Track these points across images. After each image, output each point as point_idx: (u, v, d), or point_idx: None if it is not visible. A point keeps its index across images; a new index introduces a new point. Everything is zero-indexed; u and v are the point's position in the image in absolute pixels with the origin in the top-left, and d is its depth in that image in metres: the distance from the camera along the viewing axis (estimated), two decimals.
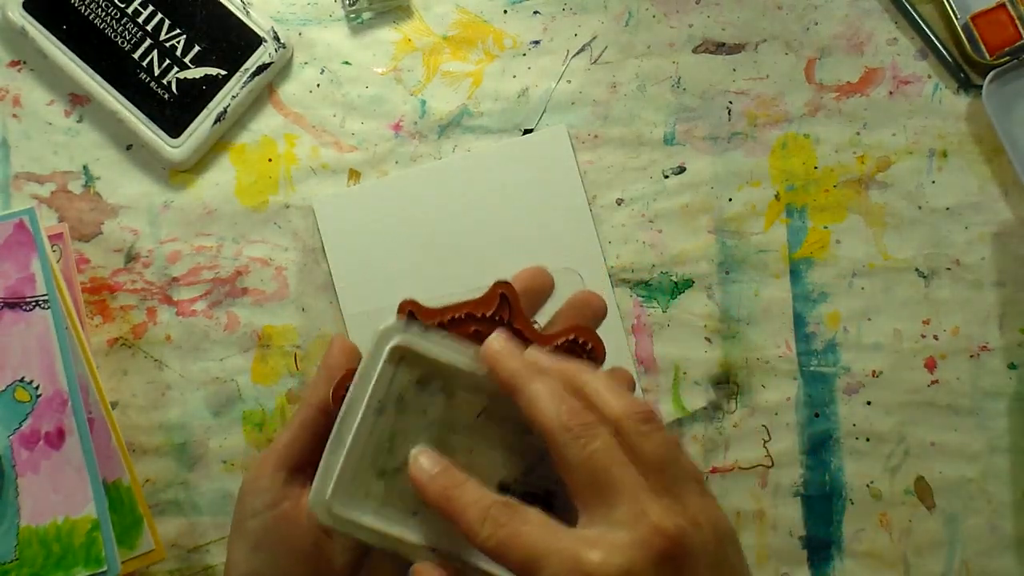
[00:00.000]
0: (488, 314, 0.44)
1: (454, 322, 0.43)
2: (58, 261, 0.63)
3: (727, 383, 0.64)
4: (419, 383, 0.43)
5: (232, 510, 0.63)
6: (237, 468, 0.64)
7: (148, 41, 0.65)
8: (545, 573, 0.37)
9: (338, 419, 0.42)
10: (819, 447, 0.64)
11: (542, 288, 0.46)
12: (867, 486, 0.64)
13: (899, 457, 0.64)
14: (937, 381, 0.64)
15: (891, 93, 0.66)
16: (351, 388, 0.42)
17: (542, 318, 0.47)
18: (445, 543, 0.42)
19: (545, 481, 0.43)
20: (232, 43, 0.65)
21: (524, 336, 0.44)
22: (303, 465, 0.46)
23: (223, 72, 0.65)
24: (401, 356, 0.42)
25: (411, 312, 0.43)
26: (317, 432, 0.45)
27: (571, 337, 0.44)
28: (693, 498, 0.39)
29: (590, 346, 0.44)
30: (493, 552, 0.38)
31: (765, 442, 0.64)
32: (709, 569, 0.38)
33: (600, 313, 0.46)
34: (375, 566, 0.46)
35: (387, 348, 0.42)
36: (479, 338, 0.43)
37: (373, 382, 0.42)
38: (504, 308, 0.44)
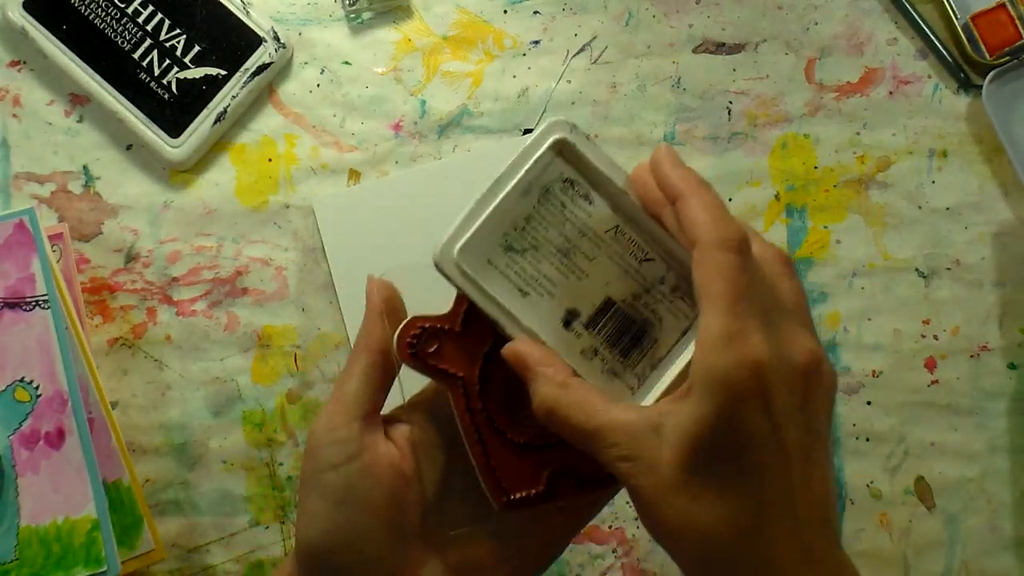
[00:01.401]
0: None
1: None
2: (58, 261, 0.63)
3: None
4: (567, 181, 0.44)
5: (228, 511, 0.64)
6: (237, 468, 0.64)
7: (148, 41, 0.65)
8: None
9: (488, 186, 0.44)
10: None
11: None
12: (867, 486, 0.64)
13: (899, 457, 0.64)
14: (937, 381, 0.64)
15: (891, 93, 0.66)
16: (509, 163, 0.44)
17: None
18: (545, 333, 0.44)
19: (646, 312, 0.45)
20: (232, 43, 0.65)
21: None
22: (374, 412, 0.45)
23: (223, 72, 0.65)
24: (560, 150, 0.44)
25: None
26: (380, 376, 0.45)
27: None
28: (809, 339, 0.40)
29: None
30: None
31: None
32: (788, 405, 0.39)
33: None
34: (442, 515, 0.46)
35: (552, 139, 0.44)
36: None
37: (529, 163, 0.44)
38: None
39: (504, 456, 0.45)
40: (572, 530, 0.48)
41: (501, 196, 0.44)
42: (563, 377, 0.42)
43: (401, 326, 0.44)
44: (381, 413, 0.46)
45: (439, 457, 0.46)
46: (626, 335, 0.45)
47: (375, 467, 0.44)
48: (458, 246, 0.43)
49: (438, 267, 0.44)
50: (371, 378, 0.45)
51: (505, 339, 0.44)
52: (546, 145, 0.44)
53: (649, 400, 0.44)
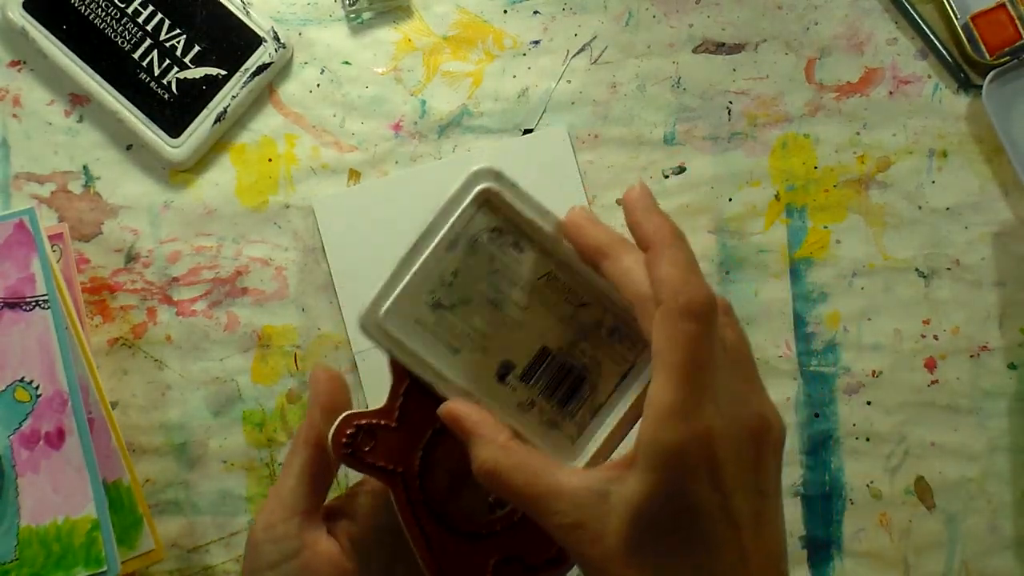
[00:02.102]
0: None
1: None
2: (58, 261, 0.63)
3: None
4: (494, 231, 0.44)
5: (228, 511, 0.64)
6: (237, 468, 0.64)
7: (148, 41, 0.65)
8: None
9: (411, 243, 0.43)
10: (819, 447, 0.64)
11: None
12: (867, 486, 0.64)
13: (899, 457, 0.64)
14: (937, 381, 0.64)
15: (891, 93, 0.66)
16: (432, 217, 0.43)
17: None
18: (480, 390, 0.43)
19: (584, 358, 0.44)
20: (232, 43, 0.65)
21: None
22: (313, 507, 0.45)
23: (223, 72, 0.65)
24: (486, 200, 0.43)
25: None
26: (319, 472, 0.45)
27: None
28: (756, 395, 0.40)
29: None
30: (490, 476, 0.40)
31: None
32: (736, 465, 0.38)
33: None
34: None
35: (476, 189, 0.43)
36: None
37: (454, 217, 0.43)
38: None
39: (448, 547, 0.44)
40: None
41: (426, 253, 0.42)
42: (503, 439, 0.41)
43: (335, 424, 0.43)
44: (324, 504, 0.45)
45: (384, 545, 0.45)
46: (563, 384, 0.44)
47: (314, 565, 0.43)
48: (383, 309, 0.42)
49: (364, 331, 0.43)
50: (309, 475, 0.44)
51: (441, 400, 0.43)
52: (470, 197, 0.43)
53: (591, 448, 0.43)
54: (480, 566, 0.44)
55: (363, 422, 0.44)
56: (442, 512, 0.44)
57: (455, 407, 0.42)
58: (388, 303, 0.43)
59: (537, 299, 0.44)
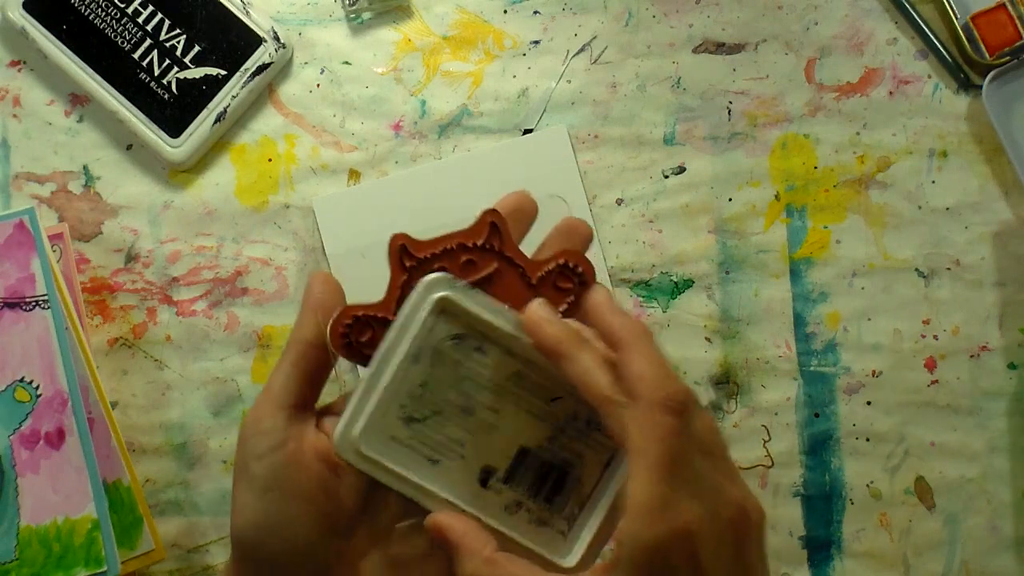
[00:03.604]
0: (479, 243, 0.44)
1: (447, 253, 0.44)
2: (58, 261, 0.63)
3: (727, 383, 0.64)
4: (456, 337, 0.43)
5: (228, 511, 0.64)
6: None
7: (148, 41, 0.65)
8: None
9: (373, 363, 0.43)
10: (819, 447, 0.64)
11: (528, 212, 0.47)
12: (867, 486, 0.64)
13: (899, 457, 0.64)
14: (937, 381, 0.64)
15: (891, 93, 0.66)
16: (389, 333, 0.43)
17: (530, 247, 0.47)
18: (463, 496, 0.43)
19: (565, 452, 0.44)
20: (232, 43, 0.65)
21: (515, 262, 0.45)
22: (302, 403, 0.45)
23: (223, 72, 0.65)
24: (443, 308, 0.43)
25: (404, 246, 0.44)
26: (311, 368, 0.45)
27: (561, 261, 0.45)
28: (731, 484, 0.40)
29: (580, 269, 0.45)
30: None
31: (765, 442, 0.64)
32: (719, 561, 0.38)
33: (587, 237, 0.47)
34: (381, 506, 0.46)
35: (431, 299, 0.43)
36: (472, 269, 0.44)
37: (415, 330, 0.43)
38: (495, 236, 0.45)
39: None
40: None
41: (391, 371, 0.43)
42: (488, 551, 0.41)
43: (334, 316, 0.44)
44: (319, 404, 0.46)
45: None
46: (547, 481, 0.44)
47: (301, 456, 0.44)
48: (355, 433, 0.42)
49: (341, 456, 0.43)
50: (300, 370, 0.45)
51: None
52: (427, 308, 0.43)
53: (585, 538, 0.43)
54: None
55: (361, 314, 0.44)
56: None
57: (440, 519, 0.42)
58: (361, 424, 0.43)
59: (509, 400, 0.44)
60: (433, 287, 0.43)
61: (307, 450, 0.44)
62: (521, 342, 0.43)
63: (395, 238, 0.44)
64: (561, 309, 0.44)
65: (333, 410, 0.46)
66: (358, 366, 0.44)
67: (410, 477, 0.43)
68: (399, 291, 0.44)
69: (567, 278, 0.45)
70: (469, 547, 0.41)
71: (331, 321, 0.44)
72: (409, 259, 0.45)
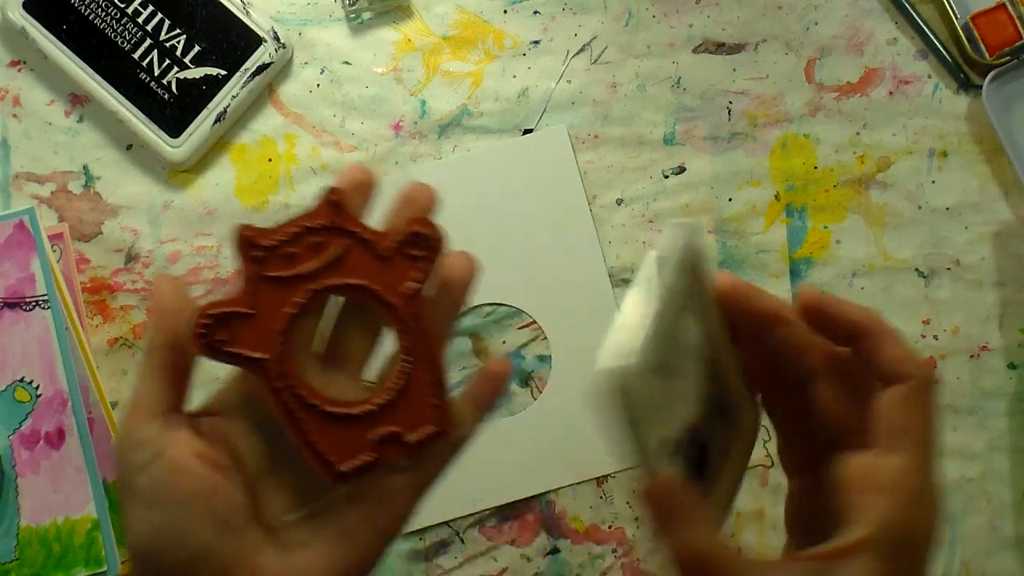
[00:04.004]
0: (324, 224, 0.44)
1: (294, 237, 0.43)
2: (58, 261, 0.63)
3: None
4: (687, 295, 0.41)
5: None
6: None
7: (148, 41, 0.65)
8: None
9: (655, 295, 0.39)
10: None
11: (368, 184, 0.46)
12: None
13: None
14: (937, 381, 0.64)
15: (891, 93, 0.66)
16: (662, 279, 0.40)
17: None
18: (657, 463, 0.39)
19: (708, 432, 0.42)
20: (232, 43, 0.65)
21: (363, 238, 0.44)
22: (172, 408, 0.44)
23: (223, 72, 0.65)
24: (691, 264, 0.41)
25: (247, 237, 0.43)
26: (173, 372, 0.44)
27: (411, 230, 0.44)
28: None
29: (427, 235, 0.44)
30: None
31: (765, 442, 0.64)
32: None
33: (431, 202, 0.47)
34: (267, 500, 0.45)
35: (683, 249, 0.41)
36: (320, 250, 0.43)
37: (671, 280, 0.40)
38: (337, 214, 0.44)
39: (324, 430, 0.43)
40: (418, 491, 0.45)
41: (655, 312, 0.39)
42: (713, 530, 0.38)
43: (192, 317, 0.42)
44: (191, 408, 0.45)
45: (257, 441, 0.45)
46: (699, 460, 0.42)
47: (181, 462, 0.43)
48: (633, 364, 0.38)
49: (609, 390, 0.38)
50: (163, 375, 0.44)
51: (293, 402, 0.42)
52: (680, 258, 0.40)
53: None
54: (360, 443, 0.43)
55: (216, 312, 0.42)
56: (313, 397, 0.43)
57: (671, 484, 0.39)
58: (636, 360, 0.38)
59: (692, 370, 0.41)
60: (689, 236, 0.41)
61: (187, 454, 0.43)
62: (710, 316, 0.42)
63: (237, 229, 0.43)
64: (417, 278, 0.44)
65: (207, 412, 0.45)
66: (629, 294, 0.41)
67: (645, 432, 0.39)
68: (252, 284, 0.43)
69: (417, 245, 0.44)
70: (695, 518, 0.38)
71: (195, 321, 0.42)
72: (256, 249, 0.43)
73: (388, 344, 0.45)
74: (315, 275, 0.43)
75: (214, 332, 0.42)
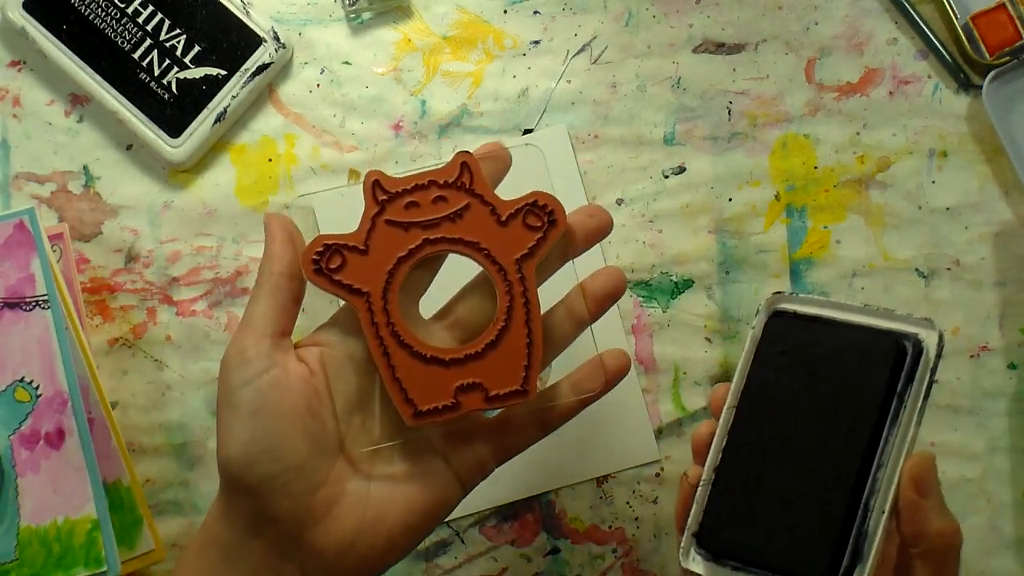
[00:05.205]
0: (451, 181, 0.47)
1: (419, 188, 0.47)
2: (58, 261, 0.63)
3: (727, 383, 0.64)
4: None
5: None
6: None
7: (148, 41, 0.65)
8: None
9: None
10: None
11: (501, 159, 0.49)
12: None
13: None
14: (937, 381, 0.64)
15: (891, 93, 0.66)
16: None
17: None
18: None
19: None
20: (232, 43, 0.65)
21: (486, 200, 0.47)
22: (281, 331, 0.47)
23: (223, 72, 0.65)
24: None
25: (377, 180, 0.46)
26: (286, 298, 0.47)
27: (531, 201, 0.47)
28: None
29: (550, 208, 0.47)
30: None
31: None
32: None
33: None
34: (359, 430, 0.47)
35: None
36: (443, 204, 0.47)
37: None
38: (465, 174, 0.47)
39: (411, 369, 0.46)
40: (499, 458, 0.49)
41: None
42: None
43: (308, 245, 0.46)
44: (293, 341, 0.48)
45: (352, 375, 0.48)
46: None
47: (286, 379, 0.45)
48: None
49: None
50: (277, 299, 0.47)
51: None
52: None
53: None
54: (442, 388, 0.46)
55: (331, 243, 0.46)
56: (406, 335, 0.46)
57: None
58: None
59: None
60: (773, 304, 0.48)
61: (291, 374, 0.46)
62: None
63: (370, 174, 0.47)
64: (530, 246, 0.46)
65: (311, 342, 0.48)
66: None
67: None
68: (370, 223, 0.46)
69: (537, 216, 0.47)
70: None
71: (304, 251, 0.46)
72: (382, 192, 0.46)
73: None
74: (432, 225, 0.46)
75: (326, 260, 0.46)
